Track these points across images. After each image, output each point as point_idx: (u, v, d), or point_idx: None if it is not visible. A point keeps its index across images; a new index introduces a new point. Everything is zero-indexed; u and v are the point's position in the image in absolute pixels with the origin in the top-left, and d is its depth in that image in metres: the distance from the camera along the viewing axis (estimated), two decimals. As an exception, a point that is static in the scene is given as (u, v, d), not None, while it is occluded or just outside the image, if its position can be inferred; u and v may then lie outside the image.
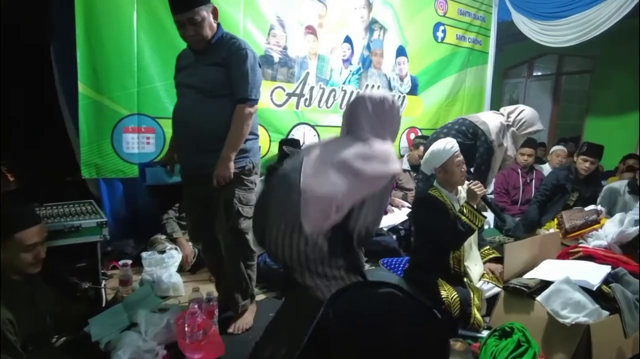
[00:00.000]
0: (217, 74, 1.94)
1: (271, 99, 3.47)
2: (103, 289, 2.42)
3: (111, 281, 2.57)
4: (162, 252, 2.66)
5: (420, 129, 4.35)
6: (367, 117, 1.52)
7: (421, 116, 4.42)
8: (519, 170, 3.95)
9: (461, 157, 2.37)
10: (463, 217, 2.23)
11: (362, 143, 1.49)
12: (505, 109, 3.12)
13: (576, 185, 3.35)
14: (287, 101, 3.58)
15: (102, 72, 2.79)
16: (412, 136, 4.23)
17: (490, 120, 3.02)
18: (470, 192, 2.31)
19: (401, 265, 2.71)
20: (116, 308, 2.10)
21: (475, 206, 2.29)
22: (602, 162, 4.86)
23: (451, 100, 4.61)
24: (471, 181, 2.39)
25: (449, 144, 2.34)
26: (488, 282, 2.37)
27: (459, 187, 2.45)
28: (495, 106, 4.39)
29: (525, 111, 3.06)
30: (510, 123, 3.06)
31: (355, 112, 1.54)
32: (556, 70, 6.58)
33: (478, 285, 2.34)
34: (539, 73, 6.95)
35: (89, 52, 2.72)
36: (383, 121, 1.54)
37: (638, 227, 2.53)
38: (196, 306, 1.89)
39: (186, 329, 1.83)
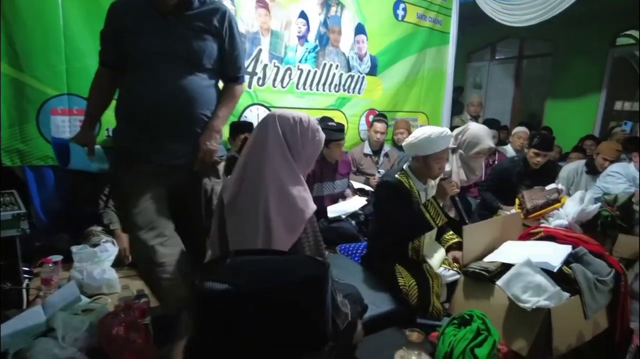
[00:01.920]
0: (205, 45, 1.68)
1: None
2: (25, 290, 2.17)
3: (37, 281, 2.30)
4: (96, 245, 2.40)
5: (379, 111, 4.19)
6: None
7: (380, 98, 4.26)
8: (481, 152, 3.88)
9: (447, 156, 2.24)
10: (426, 214, 2.10)
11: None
12: (455, 131, 2.84)
13: (526, 179, 3.13)
14: (238, 80, 3.34)
15: (21, 46, 2.46)
16: (372, 118, 4.07)
17: None
18: (440, 188, 2.17)
19: (358, 251, 2.57)
20: (34, 310, 1.84)
21: (440, 204, 2.15)
22: (561, 144, 4.90)
23: (410, 81, 4.46)
24: (445, 176, 2.25)
25: (444, 138, 2.13)
26: (449, 269, 2.25)
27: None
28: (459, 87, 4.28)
29: (469, 131, 2.79)
30: (456, 146, 2.82)
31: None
32: (518, 54, 6.60)
33: (438, 271, 2.22)
34: (502, 56, 6.94)
35: (2, 24, 2.39)
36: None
37: (598, 204, 2.49)
38: (123, 305, 1.67)
39: (111, 331, 1.60)
